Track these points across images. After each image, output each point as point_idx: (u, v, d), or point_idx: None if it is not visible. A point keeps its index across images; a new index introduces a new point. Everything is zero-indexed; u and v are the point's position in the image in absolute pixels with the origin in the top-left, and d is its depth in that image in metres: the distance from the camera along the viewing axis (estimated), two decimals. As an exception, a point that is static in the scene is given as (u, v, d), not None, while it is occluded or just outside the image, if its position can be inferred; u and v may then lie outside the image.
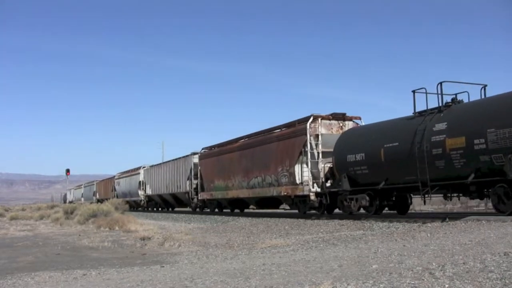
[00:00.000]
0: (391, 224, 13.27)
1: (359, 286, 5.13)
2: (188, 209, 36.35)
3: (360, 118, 19.77)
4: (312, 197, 18.27)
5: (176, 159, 34.52)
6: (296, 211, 21.03)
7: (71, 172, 56.57)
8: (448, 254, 6.72)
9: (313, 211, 19.23)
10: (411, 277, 5.27)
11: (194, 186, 30.39)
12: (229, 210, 28.25)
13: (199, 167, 29.49)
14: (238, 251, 10.92)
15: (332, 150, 17.87)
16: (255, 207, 25.08)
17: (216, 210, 28.85)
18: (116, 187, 50.55)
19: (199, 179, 29.43)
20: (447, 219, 12.33)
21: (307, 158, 18.60)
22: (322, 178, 18.19)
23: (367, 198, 16.06)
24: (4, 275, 9.04)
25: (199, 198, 29.37)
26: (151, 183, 39.82)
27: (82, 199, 68.47)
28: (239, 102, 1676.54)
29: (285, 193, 20.04)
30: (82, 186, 73.23)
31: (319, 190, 18.24)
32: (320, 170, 18.26)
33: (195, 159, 30.44)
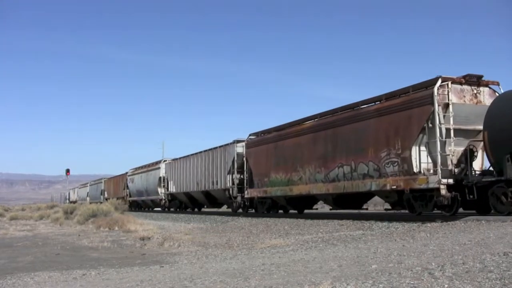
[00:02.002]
0: (390, 224, 13.27)
1: (358, 286, 5.12)
2: (223, 209, 32.67)
3: (498, 84, 15.08)
4: (443, 191, 13.23)
5: (211, 149, 28.59)
6: (400, 210, 16.53)
7: (71, 172, 56.22)
8: (447, 254, 6.72)
9: (437, 211, 14.34)
10: (410, 277, 5.27)
11: (237, 181, 24.98)
12: (278, 210, 22.99)
13: (246, 158, 24.09)
14: (238, 251, 10.92)
15: (465, 126, 13.94)
16: (331, 207, 19.60)
17: (265, 211, 22.90)
18: (129, 184, 45.09)
19: (245, 172, 24.05)
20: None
21: (434, 137, 13.74)
22: (452, 165, 13.64)
23: None
24: (4, 275, 9.03)
25: (246, 196, 23.79)
26: (175, 179, 34.16)
27: (88, 198, 63.38)
28: (239, 101, 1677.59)
29: (393, 187, 14.88)
30: (88, 185, 67.68)
31: (451, 181, 13.33)
32: (449, 153, 13.67)
33: (239, 148, 24.95)
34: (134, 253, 12.05)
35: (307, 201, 21.21)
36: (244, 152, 24.49)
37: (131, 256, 11.48)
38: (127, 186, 45.79)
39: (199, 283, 6.52)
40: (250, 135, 24.65)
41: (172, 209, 36.22)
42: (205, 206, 33.08)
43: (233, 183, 25.15)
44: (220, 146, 27.19)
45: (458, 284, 4.85)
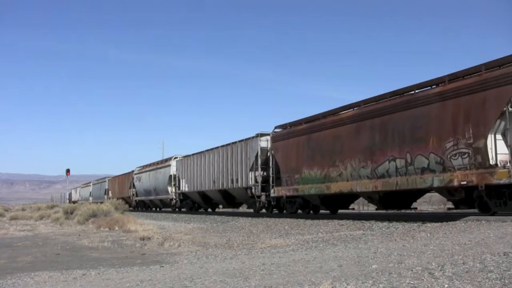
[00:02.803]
0: (390, 224, 13.27)
1: (358, 286, 5.12)
2: (242, 209, 30.41)
3: None
4: None
5: (230, 144, 25.83)
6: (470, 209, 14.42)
7: (71, 172, 56.15)
8: (447, 254, 6.72)
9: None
10: (410, 277, 5.27)
11: (260, 179, 22.46)
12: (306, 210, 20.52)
13: (272, 153, 21.75)
14: (238, 251, 10.93)
15: None
16: (377, 206, 17.37)
17: (294, 211, 20.80)
18: (136, 183, 42.55)
19: (270, 169, 21.68)
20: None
21: None
22: None
23: None
24: (4, 275, 9.03)
25: (272, 195, 21.40)
26: (188, 177, 31.44)
27: (91, 198, 60.80)
28: (239, 101, 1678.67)
29: (462, 182, 12.76)
30: (91, 184, 64.74)
31: None
32: None
33: (263, 143, 22.57)
34: (134, 253, 12.06)
35: (344, 200, 19.28)
36: (269, 147, 22.18)
37: (131, 256, 11.48)
38: (133, 185, 43.48)
39: (199, 283, 6.52)
40: (275, 127, 22.10)
41: (183, 210, 34.01)
42: (221, 207, 30.84)
43: (256, 181, 22.58)
44: (240, 141, 24.51)
45: (458, 284, 4.85)
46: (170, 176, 34.36)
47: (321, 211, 20.59)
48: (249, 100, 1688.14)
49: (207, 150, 29.17)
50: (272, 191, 21.40)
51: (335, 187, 17.35)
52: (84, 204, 40.51)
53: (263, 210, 23.28)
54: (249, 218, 20.76)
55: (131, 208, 46.82)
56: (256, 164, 22.69)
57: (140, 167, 43.06)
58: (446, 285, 4.83)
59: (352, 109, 17.43)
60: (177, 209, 34.51)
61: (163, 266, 9.21)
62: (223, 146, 26.74)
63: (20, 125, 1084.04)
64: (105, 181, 55.40)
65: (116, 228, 19.87)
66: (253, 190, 22.88)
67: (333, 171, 17.45)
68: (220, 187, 26.55)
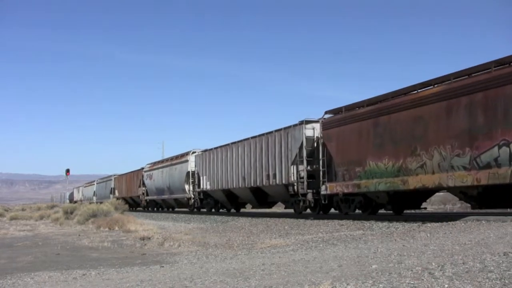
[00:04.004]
0: (390, 224, 13.26)
1: (358, 286, 5.12)
2: (276, 209, 27.64)
3: None
4: None
5: (264, 134, 22.30)
6: None
7: (71, 172, 55.99)
8: (447, 254, 6.71)
9: None
10: (410, 277, 5.27)
11: (305, 174, 19.04)
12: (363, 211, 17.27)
13: (323, 142, 18.25)
14: (238, 251, 10.92)
15: None
16: (472, 204, 14.10)
17: (352, 211, 17.61)
18: (146, 181, 39.29)
19: (320, 161, 18.15)
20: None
21: None
22: None
23: None
24: (4, 275, 9.04)
25: (323, 192, 17.92)
26: (210, 173, 27.96)
27: (94, 198, 57.79)
28: (239, 101, 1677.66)
29: None
30: (95, 183, 61.55)
31: None
32: None
33: (309, 131, 19.09)
34: (134, 253, 12.06)
35: (417, 197, 16.23)
36: (317, 136, 18.94)
37: (131, 256, 11.49)
38: (144, 183, 40.30)
39: (199, 283, 6.52)
40: (326, 112, 18.78)
41: (204, 210, 30.57)
42: (251, 207, 27.08)
43: (300, 176, 19.15)
44: (278, 130, 21.08)
45: (458, 284, 4.85)
46: (188, 172, 30.85)
47: (381, 211, 17.49)
48: (250, 100, 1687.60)
49: (234, 143, 25.49)
50: (323, 187, 17.92)
51: (415, 181, 14.24)
52: (84, 204, 40.34)
53: (307, 211, 19.93)
54: (249, 218, 20.75)
55: (140, 208, 44.73)
56: (300, 156, 19.22)
57: (151, 163, 40.09)
58: (446, 285, 4.83)
59: (438, 85, 14.42)
60: (195, 209, 31.08)
61: (163, 266, 9.22)
62: (254, 137, 23.28)
63: (20, 125, 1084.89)
64: (111, 179, 52.60)
65: (116, 228, 19.88)
66: (295, 187, 19.36)
67: (412, 162, 14.39)
68: (252, 184, 23.01)
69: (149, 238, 14.98)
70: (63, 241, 15.99)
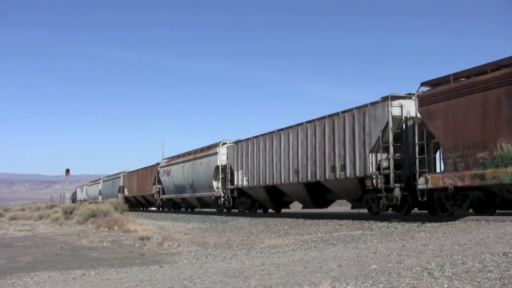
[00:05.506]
0: (390, 224, 13.26)
1: (358, 286, 5.12)
2: (344, 210, 24.59)
3: None
4: None
5: (331, 115, 17.85)
6: None
7: (71, 172, 55.83)
8: (447, 254, 6.71)
9: None
10: (410, 277, 5.27)
11: (386, 164, 15.16)
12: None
13: (420, 122, 14.20)
14: (237, 251, 10.92)
15: None
16: None
17: (465, 211, 13.57)
18: (163, 178, 34.74)
19: (417, 147, 14.14)
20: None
21: None
22: None
23: None
24: (4, 275, 9.04)
25: (422, 186, 13.72)
26: (248, 167, 23.42)
27: (100, 197, 54.05)
28: (239, 102, 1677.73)
29: None
30: (101, 181, 57.29)
31: None
32: None
33: (396, 109, 15.12)
34: (133, 253, 12.06)
35: None
36: (407, 115, 15.10)
37: (131, 256, 11.49)
38: (159, 180, 35.72)
39: (199, 283, 6.52)
40: (422, 84, 14.46)
41: (235, 211, 25.78)
42: (301, 206, 21.92)
43: (383, 167, 15.26)
44: (348, 110, 16.96)
45: (457, 284, 4.84)
46: (217, 167, 26.32)
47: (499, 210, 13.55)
48: (250, 101, 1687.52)
49: (280, 130, 21.09)
50: (421, 180, 13.83)
51: None
52: (84, 204, 40.09)
53: (390, 210, 16.29)
54: (249, 218, 20.74)
55: (153, 208, 40.00)
56: (384, 142, 15.26)
57: (168, 158, 36.14)
58: (445, 285, 4.83)
59: None
60: (225, 210, 26.38)
61: (162, 266, 9.21)
62: (311, 121, 18.82)
63: (20, 125, 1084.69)
64: (119, 177, 47.69)
65: (116, 228, 19.88)
66: (374, 182, 15.45)
67: None
68: (309, 179, 18.66)
69: (149, 238, 14.99)
70: (63, 241, 15.99)
